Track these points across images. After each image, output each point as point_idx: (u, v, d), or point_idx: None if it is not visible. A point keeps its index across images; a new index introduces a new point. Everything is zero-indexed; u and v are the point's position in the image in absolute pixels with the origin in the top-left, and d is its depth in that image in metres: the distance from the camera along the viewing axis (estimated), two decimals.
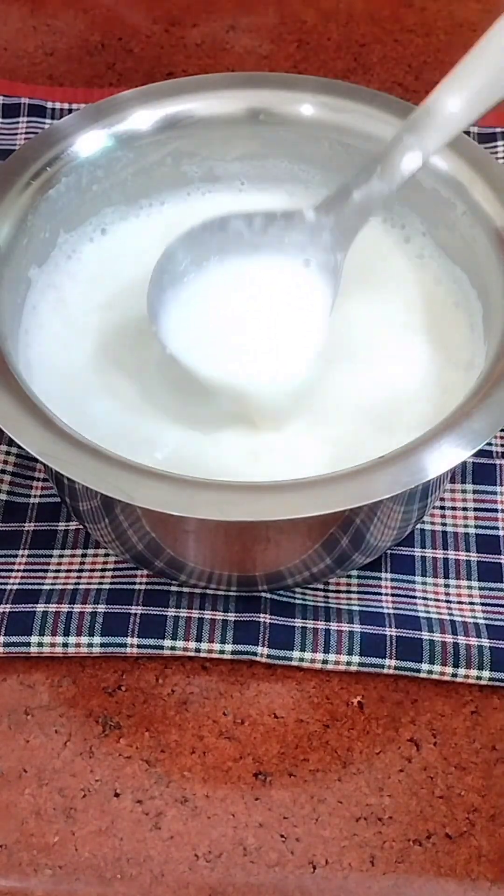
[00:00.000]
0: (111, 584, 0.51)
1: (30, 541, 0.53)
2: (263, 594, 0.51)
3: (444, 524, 0.54)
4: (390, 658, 0.49)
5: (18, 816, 0.46)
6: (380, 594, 0.52)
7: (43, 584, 0.51)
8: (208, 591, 0.51)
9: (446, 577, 0.52)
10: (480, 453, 0.55)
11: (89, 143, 0.55)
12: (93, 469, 0.43)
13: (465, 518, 0.54)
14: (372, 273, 0.56)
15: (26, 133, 0.70)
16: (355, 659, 0.49)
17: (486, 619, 0.51)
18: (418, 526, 0.54)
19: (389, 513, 0.47)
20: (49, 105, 0.71)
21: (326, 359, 0.52)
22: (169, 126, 0.56)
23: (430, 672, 0.49)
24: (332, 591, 0.52)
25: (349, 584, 0.52)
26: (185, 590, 0.51)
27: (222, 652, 0.50)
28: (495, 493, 0.55)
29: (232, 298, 0.51)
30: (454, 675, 0.49)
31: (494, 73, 0.47)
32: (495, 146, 0.69)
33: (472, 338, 0.52)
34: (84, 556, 0.53)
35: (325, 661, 0.49)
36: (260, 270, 0.52)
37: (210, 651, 0.50)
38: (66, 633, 0.49)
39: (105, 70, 0.77)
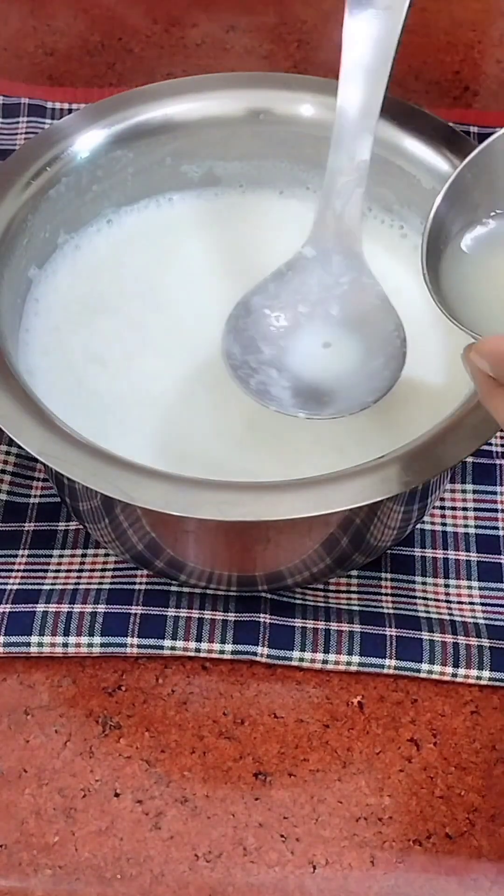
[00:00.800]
0: (111, 584, 0.51)
1: (30, 541, 0.53)
2: (263, 594, 0.51)
3: (444, 524, 0.54)
4: (390, 658, 0.49)
5: (18, 816, 0.46)
6: (380, 594, 0.52)
7: (43, 584, 0.51)
8: (208, 591, 0.51)
9: (446, 577, 0.52)
10: (480, 453, 0.56)
11: (89, 143, 0.55)
12: (93, 469, 0.43)
13: (465, 518, 0.54)
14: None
15: (26, 133, 0.70)
16: (355, 659, 0.49)
17: (486, 619, 0.51)
18: (418, 526, 0.54)
19: (389, 513, 0.47)
20: (49, 105, 0.71)
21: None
22: (169, 126, 0.56)
23: (430, 672, 0.49)
24: (332, 591, 0.52)
25: (349, 584, 0.52)
26: (185, 590, 0.51)
27: (222, 652, 0.50)
28: (495, 493, 0.55)
29: (310, 364, 0.51)
30: (454, 675, 0.49)
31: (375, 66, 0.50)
32: None
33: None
34: (84, 556, 0.53)
35: (325, 661, 0.49)
36: (312, 330, 0.51)
37: (210, 651, 0.50)
38: (66, 633, 0.49)
39: (105, 70, 0.77)
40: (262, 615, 0.50)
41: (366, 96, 0.51)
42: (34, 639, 0.49)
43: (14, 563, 0.52)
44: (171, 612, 0.50)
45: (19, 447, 0.45)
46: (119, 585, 0.51)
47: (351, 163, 0.51)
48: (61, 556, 0.53)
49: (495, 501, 0.55)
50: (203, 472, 0.44)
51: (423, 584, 0.52)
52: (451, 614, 0.51)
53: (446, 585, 0.52)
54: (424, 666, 0.49)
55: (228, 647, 0.49)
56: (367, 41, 0.51)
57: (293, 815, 0.46)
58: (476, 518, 0.54)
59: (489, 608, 0.51)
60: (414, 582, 0.52)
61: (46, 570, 0.52)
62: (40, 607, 0.50)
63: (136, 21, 0.80)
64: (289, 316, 0.51)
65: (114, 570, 0.52)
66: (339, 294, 0.51)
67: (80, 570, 0.52)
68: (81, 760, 0.47)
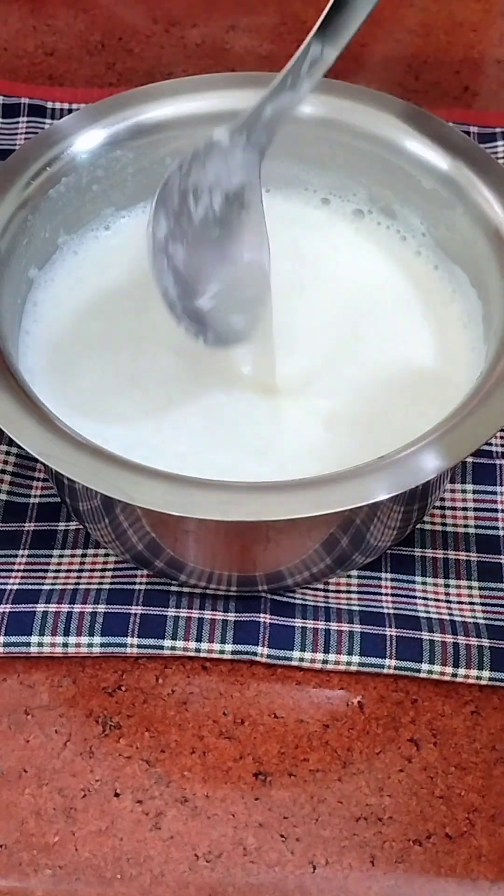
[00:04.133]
0: (111, 584, 0.51)
1: (30, 541, 0.53)
2: (263, 594, 0.51)
3: (444, 524, 0.54)
4: (390, 658, 0.49)
5: (18, 816, 0.46)
6: (380, 594, 0.52)
7: (43, 584, 0.51)
8: (208, 591, 0.51)
9: (446, 577, 0.52)
10: (480, 453, 0.56)
11: (89, 143, 0.55)
12: (93, 469, 0.43)
13: (465, 518, 0.54)
14: (371, 273, 0.56)
15: (26, 133, 0.70)
16: (355, 659, 0.49)
17: (486, 619, 0.51)
18: (418, 526, 0.54)
19: (389, 513, 0.47)
20: (49, 105, 0.71)
21: (328, 358, 0.52)
22: (169, 126, 0.56)
23: (430, 672, 0.49)
24: (332, 591, 0.52)
25: (349, 584, 0.52)
26: (185, 590, 0.51)
27: (222, 652, 0.50)
28: (495, 493, 0.55)
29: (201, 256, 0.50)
30: (454, 675, 0.49)
31: None
32: (495, 146, 0.69)
33: (472, 337, 0.52)
34: (84, 556, 0.53)
35: (325, 661, 0.49)
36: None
37: (210, 651, 0.50)
38: (66, 633, 0.49)
39: (105, 70, 0.77)
40: (262, 615, 0.50)
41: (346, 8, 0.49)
42: (34, 639, 0.49)
43: (14, 563, 0.52)
44: (171, 612, 0.50)
45: (19, 447, 0.45)
46: (119, 585, 0.51)
47: (303, 76, 0.50)
48: (61, 556, 0.53)
49: (495, 501, 0.55)
50: (200, 473, 0.44)
51: (423, 584, 0.52)
52: (451, 614, 0.51)
53: (446, 585, 0.52)
54: (424, 666, 0.49)
55: (228, 647, 0.50)
56: None
57: (293, 815, 0.46)
58: (476, 518, 0.54)
59: (489, 608, 0.51)
60: (414, 582, 0.52)
61: (46, 570, 0.52)
62: (40, 607, 0.50)
63: (136, 21, 0.80)
64: (184, 189, 0.50)
65: (114, 570, 0.52)
66: (224, 189, 0.50)
67: (80, 570, 0.52)
68: (81, 760, 0.47)
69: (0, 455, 0.55)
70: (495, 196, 0.52)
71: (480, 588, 0.52)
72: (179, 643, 0.49)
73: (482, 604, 0.51)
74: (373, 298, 0.55)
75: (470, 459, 0.56)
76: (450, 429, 0.44)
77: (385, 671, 0.49)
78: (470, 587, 0.52)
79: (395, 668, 0.49)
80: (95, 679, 0.50)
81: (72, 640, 0.49)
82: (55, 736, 0.48)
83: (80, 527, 0.54)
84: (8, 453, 0.55)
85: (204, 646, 0.50)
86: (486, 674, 0.49)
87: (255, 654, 0.49)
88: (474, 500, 0.55)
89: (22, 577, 0.52)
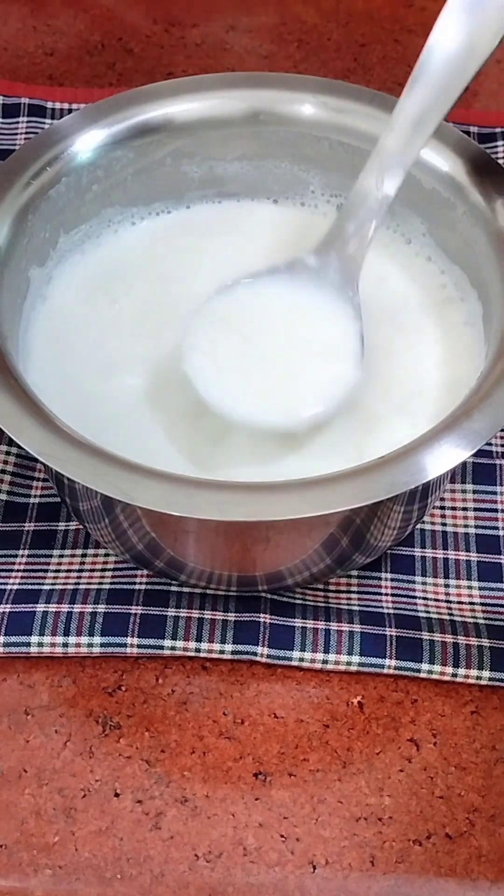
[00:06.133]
0: (111, 584, 0.51)
1: (30, 541, 0.53)
2: (263, 594, 0.51)
3: (444, 524, 0.54)
4: (390, 658, 0.49)
5: (18, 816, 0.46)
6: (380, 594, 0.52)
7: (43, 584, 0.51)
8: (208, 591, 0.51)
9: (446, 577, 0.52)
10: (480, 453, 0.56)
11: (89, 143, 0.55)
12: (93, 469, 0.43)
13: (465, 518, 0.54)
14: (372, 275, 0.56)
15: (26, 133, 0.70)
16: (355, 659, 0.49)
17: (486, 619, 0.51)
18: (418, 526, 0.54)
19: (389, 513, 0.47)
20: (49, 105, 0.71)
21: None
22: (169, 126, 0.56)
23: (430, 672, 0.49)
24: (332, 591, 0.52)
25: (349, 584, 0.52)
26: (185, 590, 0.51)
27: (222, 652, 0.50)
28: (495, 493, 0.55)
29: (257, 340, 0.51)
30: (454, 675, 0.49)
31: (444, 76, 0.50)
32: (495, 146, 0.69)
33: (473, 337, 0.52)
34: (84, 556, 0.53)
35: (325, 661, 0.49)
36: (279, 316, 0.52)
37: (210, 651, 0.50)
38: (66, 633, 0.49)
39: (105, 70, 0.77)
40: (262, 615, 0.50)
41: (416, 125, 0.50)
42: (34, 639, 0.49)
43: (14, 563, 0.52)
44: (171, 612, 0.50)
45: (19, 447, 0.45)
46: (119, 585, 0.51)
47: (376, 191, 0.50)
48: (61, 556, 0.53)
49: (495, 501, 0.55)
50: (202, 474, 0.44)
51: (423, 584, 0.52)
52: (451, 614, 0.51)
53: (446, 585, 0.52)
54: (424, 666, 0.49)
55: (228, 647, 0.50)
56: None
57: (293, 815, 0.46)
58: (476, 518, 0.54)
59: (489, 608, 0.51)
60: (414, 582, 0.52)
61: (46, 570, 0.52)
62: (40, 607, 0.50)
63: (136, 21, 0.80)
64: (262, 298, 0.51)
65: (114, 570, 0.52)
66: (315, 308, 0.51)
67: (80, 570, 0.52)
68: (81, 760, 0.47)
69: (0, 455, 0.55)
70: (495, 196, 0.52)
71: (480, 588, 0.52)
72: (179, 643, 0.49)
73: (482, 604, 0.51)
74: (382, 302, 0.55)
75: (470, 459, 0.55)
76: (450, 429, 0.44)
77: (385, 671, 0.49)
78: (470, 587, 0.52)
79: (395, 668, 0.49)
80: (95, 679, 0.50)
81: (72, 640, 0.49)
82: (55, 736, 0.48)
83: (80, 527, 0.54)
84: (8, 453, 0.55)
85: (204, 646, 0.50)
86: (486, 674, 0.49)
87: (255, 654, 0.49)
88: (474, 500, 0.55)
89: (22, 577, 0.52)
